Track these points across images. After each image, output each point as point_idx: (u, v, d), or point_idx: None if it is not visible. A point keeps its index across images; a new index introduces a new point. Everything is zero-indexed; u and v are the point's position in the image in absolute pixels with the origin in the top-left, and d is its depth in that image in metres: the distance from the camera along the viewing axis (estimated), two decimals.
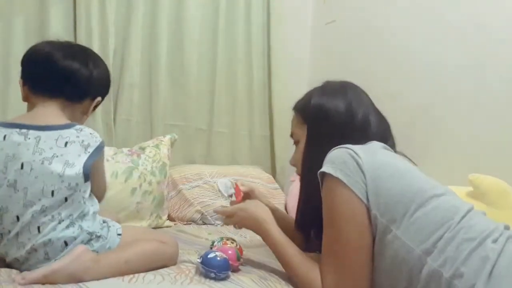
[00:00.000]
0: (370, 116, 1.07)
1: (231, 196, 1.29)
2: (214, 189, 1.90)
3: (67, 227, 0.98)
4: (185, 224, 1.82)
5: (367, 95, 1.13)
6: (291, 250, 1.03)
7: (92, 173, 1.03)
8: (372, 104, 1.12)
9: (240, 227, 1.22)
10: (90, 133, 1.05)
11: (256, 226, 1.12)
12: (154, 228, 1.70)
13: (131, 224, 1.58)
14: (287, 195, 2.13)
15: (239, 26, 2.28)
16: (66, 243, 0.97)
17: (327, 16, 2.46)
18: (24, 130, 0.99)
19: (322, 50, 2.52)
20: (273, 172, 2.38)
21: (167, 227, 1.76)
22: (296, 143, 1.16)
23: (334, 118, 1.05)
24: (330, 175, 0.91)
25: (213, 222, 1.82)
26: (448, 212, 0.86)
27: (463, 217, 0.86)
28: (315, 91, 1.14)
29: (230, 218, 1.17)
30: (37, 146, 0.98)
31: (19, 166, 0.97)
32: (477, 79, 1.75)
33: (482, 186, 1.43)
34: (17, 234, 0.96)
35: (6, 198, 0.96)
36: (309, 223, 1.17)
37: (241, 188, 1.28)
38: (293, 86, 2.45)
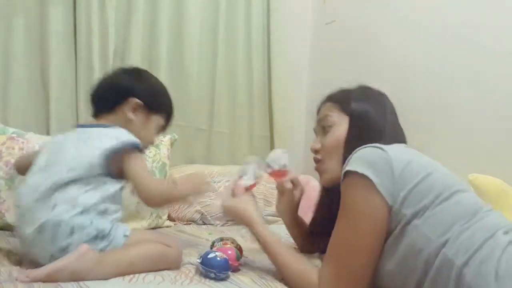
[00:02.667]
0: (397, 127, 1.14)
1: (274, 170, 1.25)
2: (214, 189, 1.90)
3: (81, 213, 1.01)
4: (185, 224, 1.82)
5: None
6: (280, 248, 1.04)
7: (125, 169, 1.09)
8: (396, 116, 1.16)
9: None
10: (128, 133, 1.13)
11: (246, 225, 1.12)
12: (154, 228, 1.70)
13: (130, 224, 1.58)
14: None
15: (239, 26, 2.28)
16: (73, 230, 0.98)
17: (327, 16, 2.46)
18: (79, 128, 1.18)
19: (322, 50, 2.52)
20: None
21: (167, 227, 1.75)
22: (328, 127, 1.14)
23: (375, 123, 1.09)
24: (355, 172, 0.90)
25: (213, 222, 1.82)
26: (470, 208, 0.87)
27: (484, 212, 0.87)
28: (357, 91, 1.17)
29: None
30: (80, 136, 1.12)
31: (60, 147, 1.11)
32: (477, 79, 1.75)
33: (482, 186, 1.43)
34: (32, 209, 1.00)
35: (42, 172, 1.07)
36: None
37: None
38: (293, 86, 2.45)
